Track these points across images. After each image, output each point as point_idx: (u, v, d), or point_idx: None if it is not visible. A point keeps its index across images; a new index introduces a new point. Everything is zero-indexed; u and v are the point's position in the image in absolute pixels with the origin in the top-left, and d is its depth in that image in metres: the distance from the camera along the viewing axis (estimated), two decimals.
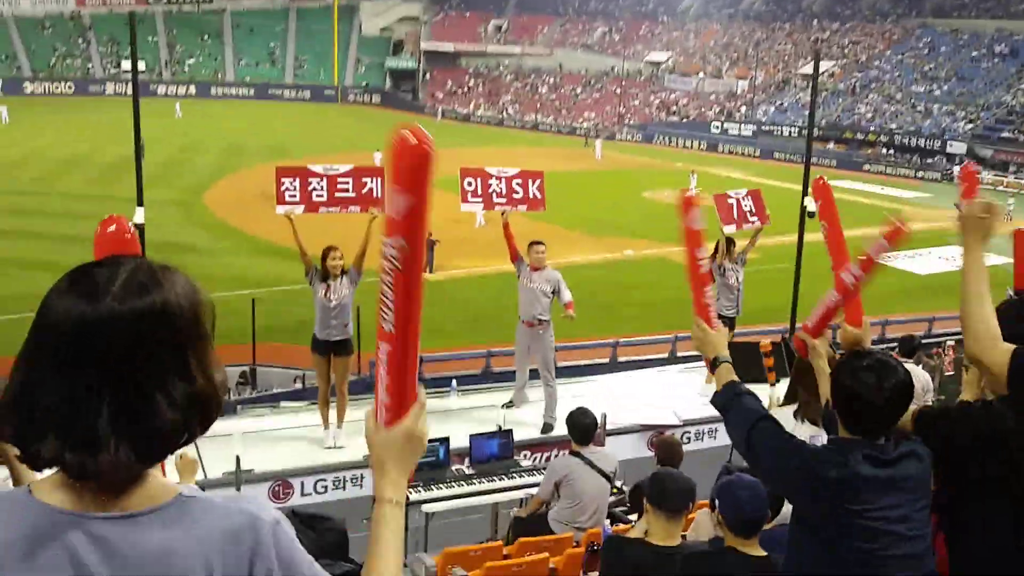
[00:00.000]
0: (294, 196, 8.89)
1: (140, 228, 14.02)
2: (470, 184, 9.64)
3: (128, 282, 1.33)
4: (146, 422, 1.31)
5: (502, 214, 9.71)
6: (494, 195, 9.65)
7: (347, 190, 9.08)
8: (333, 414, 9.17)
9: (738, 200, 11.14)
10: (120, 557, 1.31)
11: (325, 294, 8.92)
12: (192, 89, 77.49)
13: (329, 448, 8.96)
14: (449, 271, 27.47)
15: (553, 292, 9.59)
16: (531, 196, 9.72)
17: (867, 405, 2.72)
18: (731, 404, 3.00)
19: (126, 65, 69.45)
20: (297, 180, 8.93)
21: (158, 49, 79.70)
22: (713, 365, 3.15)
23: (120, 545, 1.31)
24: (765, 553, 3.67)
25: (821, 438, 4.61)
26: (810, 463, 2.81)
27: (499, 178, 9.65)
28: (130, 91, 12.48)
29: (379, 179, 9.03)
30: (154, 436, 1.33)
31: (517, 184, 9.69)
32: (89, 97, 71.95)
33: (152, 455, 1.35)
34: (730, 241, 11.30)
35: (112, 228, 2.36)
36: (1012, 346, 2.75)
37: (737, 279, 11.27)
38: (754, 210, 11.15)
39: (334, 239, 9.33)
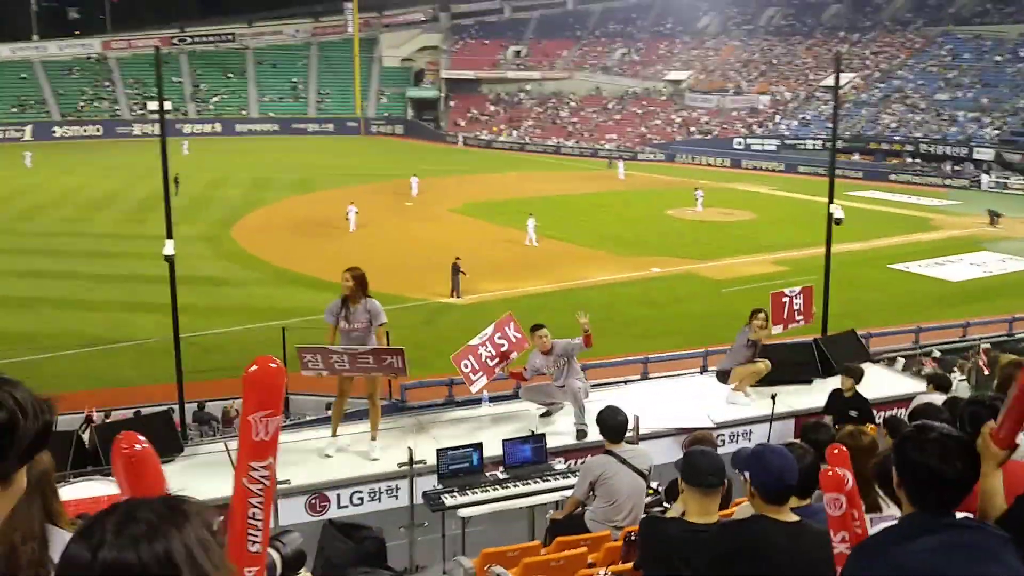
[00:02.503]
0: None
1: (170, 260, 14.28)
2: (467, 366, 9.85)
3: (121, 530, 1.36)
4: None
5: (502, 370, 10.06)
6: (488, 361, 9.93)
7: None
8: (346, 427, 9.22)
9: (791, 299, 11.74)
10: None
11: (345, 318, 8.87)
12: (218, 127, 78.75)
13: (329, 457, 8.93)
14: (476, 294, 27.55)
15: (568, 358, 9.81)
16: (513, 340, 10.12)
17: (937, 478, 2.67)
18: None
19: (152, 105, 70.78)
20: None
21: (183, 89, 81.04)
22: None
23: None
24: (797, 519, 3.65)
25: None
26: (875, 552, 2.75)
27: (484, 344, 9.98)
28: (157, 131, 12.73)
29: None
30: None
31: (499, 338, 10.05)
32: (117, 139, 73.29)
33: None
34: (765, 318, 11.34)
35: (258, 370, 2.46)
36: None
37: (752, 357, 11.10)
38: (802, 309, 11.82)
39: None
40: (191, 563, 1.35)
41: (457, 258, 27.49)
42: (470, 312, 25.89)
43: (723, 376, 11.16)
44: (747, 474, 3.69)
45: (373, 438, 9.12)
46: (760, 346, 11.04)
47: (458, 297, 27.26)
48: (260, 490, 2.52)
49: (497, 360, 9.96)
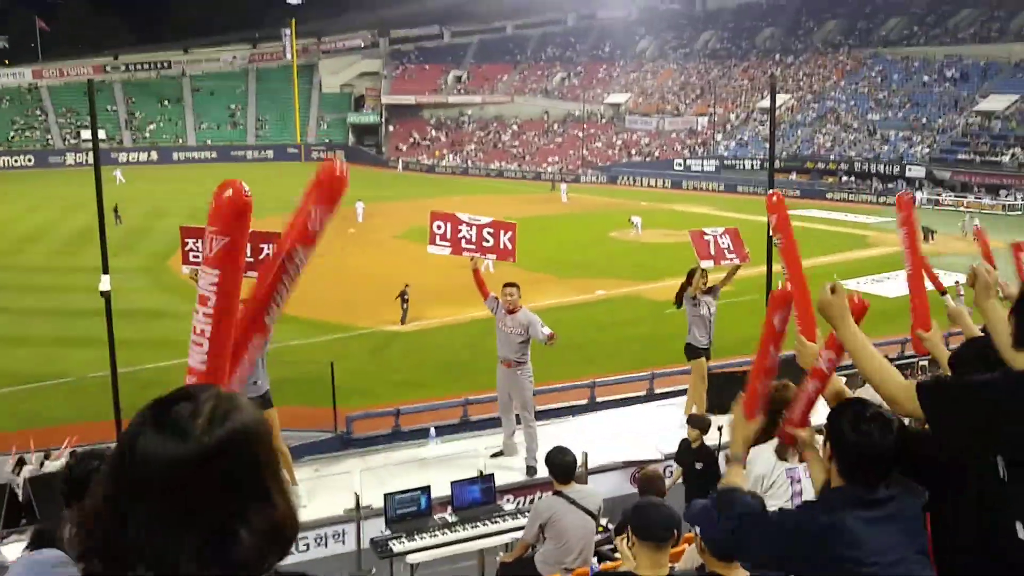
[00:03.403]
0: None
1: (106, 296, 13.85)
2: (439, 227, 9.65)
3: (212, 414, 1.36)
4: (228, 555, 1.32)
5: (471, 259, 9.68)
6: (463, 241, 9.62)
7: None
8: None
9: (715, 238, 11.29)
10: None
11: None
12: (154, 155, 77.49)
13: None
14: (422, 321, 27.36)
15: (527, 335, 9.48)
16: (502, 246, 9.70)
17: (875, 455, 2.72)
18: (723, 506, 3.01)
19: (85, 135, 69.40)
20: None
21: (118, 117, 79.68)
22: (728, 458, 3.20)
23: None
24: (747, 575, 3.61)
25: (798, 471, 4.53)
26: (801, 516, 2.84)
27: (470, 225, 9.65)
28: (91, 160, 12.38)
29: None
30: (235, 566, 1.33)
31: (488, 233, 9.66)
32: (49, 169, 71.63)
33: None
34: (705, 273, 11.33)
35: (229, 194, 2.61)
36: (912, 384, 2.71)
37: (709, 310, 11.28)
38: (732, 247, 11.28)
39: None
40: (270, 456, 1.41)
41: (406, 285, 27.30)
42: (417, 339, 25.70)
43: (689, 351, 11.26)
44: (697, 530, 3.63)
45: (294, 483, 8.58)
46: (710, 300, 11.21)
47: (403, 324, 27.07)
48: (295, 273, 2.70)
49: (473, 247, 9.58)
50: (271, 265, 2.70)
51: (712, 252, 11.13)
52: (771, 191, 4.08)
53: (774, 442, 5.04)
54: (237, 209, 2.56)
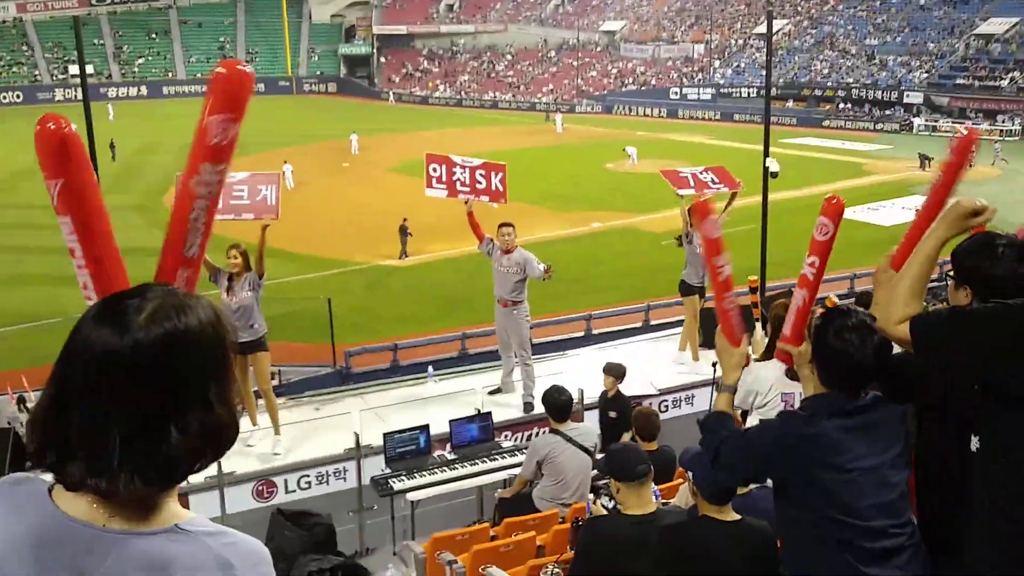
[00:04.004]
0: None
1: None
2: (435, 170, 9.65)
3: (156, 311, 1.36)
4: (156, 452, 1.34)
5: (465, 202, 9.70)
6: (458, 183, 9.64)
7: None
8: (264, 419, 8.88)
9: (693, 174, 11.06)
10: (113, 572, 1.35)
11: (227, 294, 8.56)
12: (144, 90, 76.41)
13: (265, 452, 8.57)
14: (419, 256, 27.37)
15: (523, 273, 9.54)
16: (493, 188, 9.70)
17: (854, 364, 2.77)
18: (707, 430, 3.08)
19: (73, 70, 68.30)
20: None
21: (105, 51, 78.35)
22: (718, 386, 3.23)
23: (117, 558, 1.35)
24: (739, 517, 3.72)
25: (794, 395, 4.61)
26: (782, 427, 2.88)
27: (463, 167, 9.65)
28: (80, 96, 12.22)
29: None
30: (163, 465, 1.36)
31: (480, 175, 9.68)
32: (38, 105, 70.62)
33: (160, 482, 1.38)
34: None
35: (50, 128, 2.35)
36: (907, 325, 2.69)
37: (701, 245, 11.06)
38: (716, 179, 10.98)
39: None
40: (227, 326, 1.43)
41: (404, 219, 27.24)
42: (414, 274, 25.75)
43: (682, 287, 11.09)
44: (690, 474, 3.73)
45: (277, 432, 8.68)
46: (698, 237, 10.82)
47: (406, 258, 27.09)
48: (208, 193, 2.47)
49: (467, 190, 9.66)
50: (179, 192, 2.47)
51: (691, 183, 10.90)
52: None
53: (776, 364, 5.08)
54: (55, 147, 2.31)
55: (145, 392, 1.33)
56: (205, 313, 1.41)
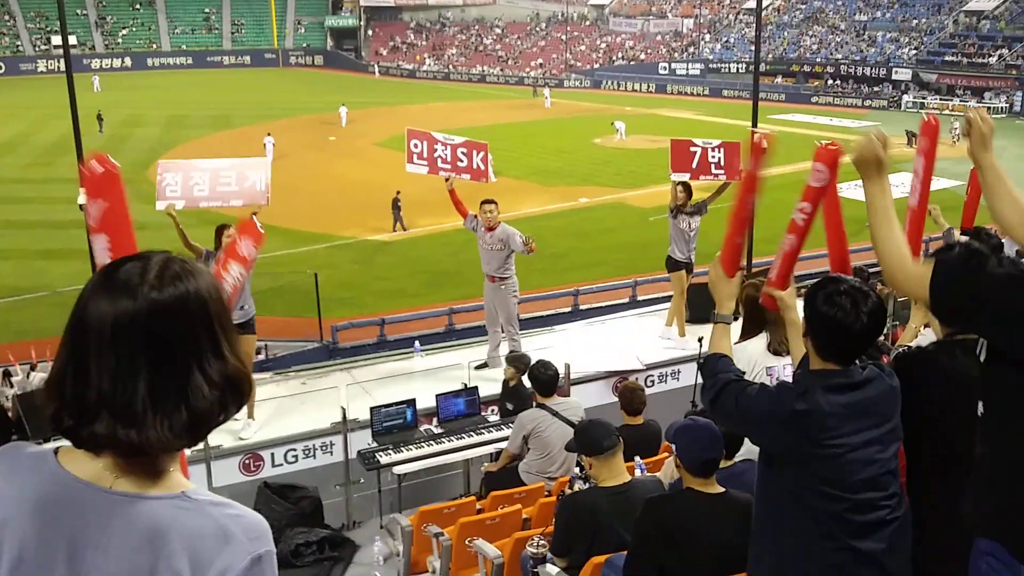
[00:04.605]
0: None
1: (84, 208, 13.68)
2: (416, 146, 9.58)
3: (162, 273, 1.43)
4: (186, 400, 1.41)
5: (447, 180, 9.65)
6: (439, 160, 9.57)
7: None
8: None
9: (704, 150, 10.26)
10: (117, 531, 1.40)
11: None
12: (128, 61, 75.56)
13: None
14: (407, 231, 27.29)
15: (508, 248, 9.54)
16: (475, 167, 9.65)
17: (845, 330, 2.75)
18: (708, 371, 3.09)
19: (56, 40, 67.48)
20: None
21: (88, 21, 77.41)
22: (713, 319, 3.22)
23: (120, 520, 1.41)
24: (723, 490, 3.75)
25: (776, 369, 4.65)
26: (777, 400, 2.87)
27: (445, 144, 9.59)
28: (63, 67, 12.06)
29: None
30: (193, 413, 1.42)
31: (462, 153, 9.61)
32: (20, 76, 69.83)
33: (191, 433, 1.44)
34: (686, 187, 10.64)
35: (101, 171, 3.03)
36: (926, 267, 2.67)
37: (690, 225, 10.64)
38: (722, 162, 10.20)
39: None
40: (223, 311, 1.49)
41: (397, 192, 27.16)
42: (402, 249, 25.67)
43: (669, 263, 10.82)
44: (674, 447, 3.75)
45: (250, 415, 8.39)
46: (692, 219, 10.53)
47: (404, 230, 27.06)
48: (230, 285, 3.21)
49: (448, 167, 9.57)
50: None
51: (694, 165, 10.26)
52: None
53: (760, 339, 5.15)
54: (110, 179, 2.93)
55: (166, 347, 1.40)
56: (208, 274, 1.49)
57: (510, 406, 8.27)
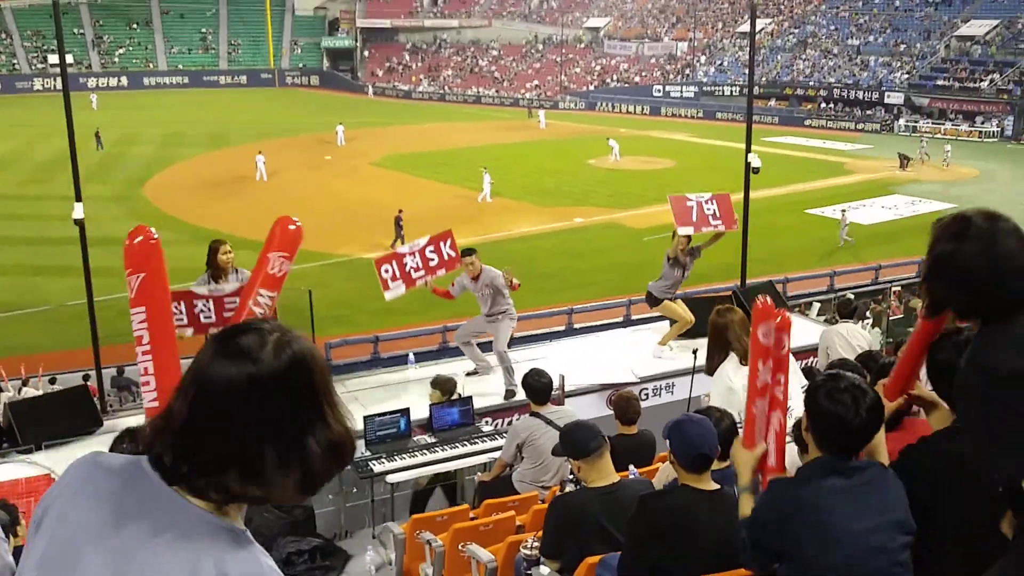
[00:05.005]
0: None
1: (80, 224, 13.70)
2: (387, 271, 9.71)
3: (277, 343, 1.53)
4: (303, 463, 1.52)
5: (425, 284, 9.86)
6: (411, 272, 9.76)
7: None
8: None
9: (699, 204, 10.85)
10: (175, 524, 1.52)
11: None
12: (124, 80, 75.76)
13: None
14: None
15: (495, 289, 9.78)
16: (446, 257, 9.87)
17: (845, 425, 2.79)
18: (741, 539, 3.07)
19: (53, 59, 67.60)
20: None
21: (85, 40, 77.65)
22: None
23: (175, 520, 1.52)
24: (717, 487, 3.75)
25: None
26: (767, 499, 2.90)
27: (412, 254, 9.79)
28: (59, 85, 12.11)
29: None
30: (307, 475, 1.53)
31: (431, 252, 9.84)
32: (17, 94, 69.95)
33: (304, 492, 1.56)
34: (688, 239, 10.98)
35: (139, 239, 2.94)
36: None
37: (684, 273, 11.00)
38: (718, 213, 10.87)
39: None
40: (326, 364, 1.60)
41: (400, 210, 27.42)
42: None
43: (651, 300, 11.04)
44: (668, 442, 3.77)
45: None
46: (688, 261, 10.84)
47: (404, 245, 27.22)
48: (261, 314, 3.16)
49: (422, 273, 9.75)
50: (241, 308, 3.12)
51: (694, 218, 10.78)
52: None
53: (730, 359, 5.39)
54: (148, 250, 3.06)
55: (283, 411, 1.51)
56: (308, 342, 1.59)
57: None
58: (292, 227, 2.82)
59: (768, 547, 2.89)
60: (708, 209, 10.84)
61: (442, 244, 9.86)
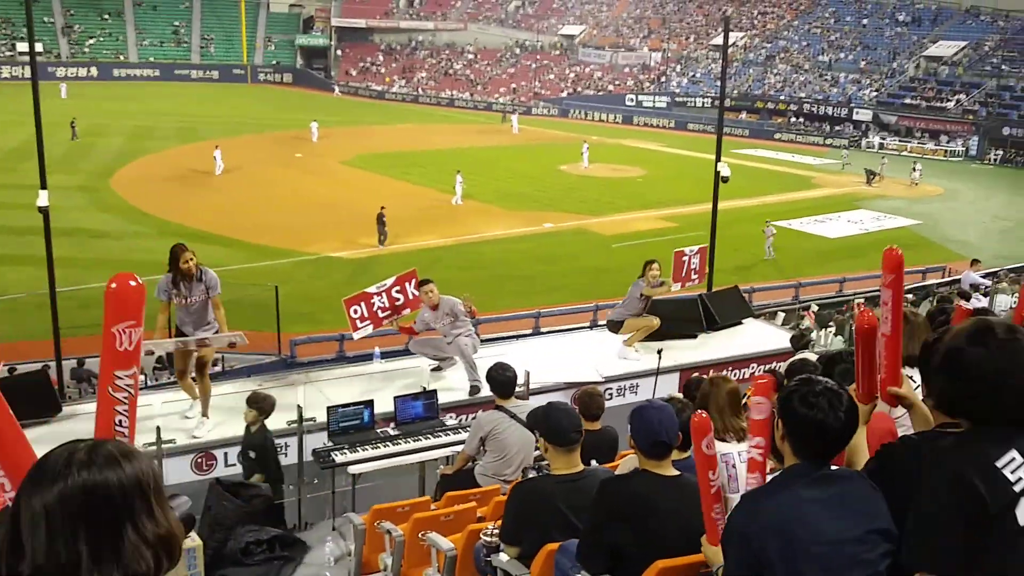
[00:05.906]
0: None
1: (44, 212, 13.53)
2: (356, 311, 9.87)
3: (90, 455, 1.64)
4: (120, 556, 1.60)
5: (391, 323, 10.07)
6: (379, 311, 9.97)
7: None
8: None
9: (690, 257, 12.27)
10: None
11: (182, 294, 8.37)
12: (93, 71, 74.74)
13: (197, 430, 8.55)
14: (370, 249, 27.25)
15: (454, 315, 9.82)
16: (411, 296, 10.11)
17: (824, 430, 2.76)
18: None
19: (21, 47, 66.69)
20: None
21: (55, 28, 76.61)
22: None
23: None
24: (678, 473, 3.78)
25: (732, 455, 4.51)
26: (737, 512, 2.83)
27: (379, 294, 10.00)
28: (27, 74, 11.97)
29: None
30: (129, 569, 1.60)
31: (396, 292, 10.07)
32: None
33: None
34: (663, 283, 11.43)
35: (114, 286, 2.91)
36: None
37: (644, 308, 11.25)
38: (697, 268, 12.42)
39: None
40: (153, 485, 1.67)
41: (382, 207, 27.47)
42: (363, 265, 25.60)
43: (614, 326, 11.30)
44: (628, 427, 3.80)
45: (204, 414, 8.53)
46: (651, 300, 11.22)
47: (383, 246, 27.42)
48: (125, 398, 2.86)
49: (388, 312, 9.99)
50: (100, 398, 2.92)
51: (683, 275, 12.18)
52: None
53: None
54: (140, 297, 2.85)
55: (95, 519, 1.59)
56: (137, 459, 1.68)
57: (252, 454, 7.71)
58: (133, 283, 2.68)
59: (743, 560, 2.75)
60: (693, 263, 12.29)
61: (407, 284, 10.16)
